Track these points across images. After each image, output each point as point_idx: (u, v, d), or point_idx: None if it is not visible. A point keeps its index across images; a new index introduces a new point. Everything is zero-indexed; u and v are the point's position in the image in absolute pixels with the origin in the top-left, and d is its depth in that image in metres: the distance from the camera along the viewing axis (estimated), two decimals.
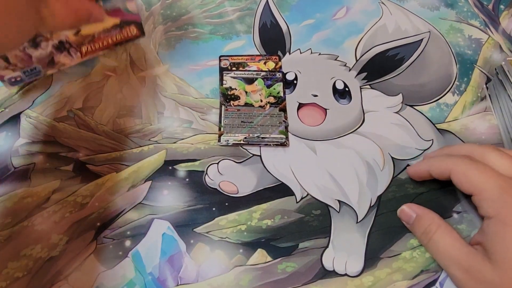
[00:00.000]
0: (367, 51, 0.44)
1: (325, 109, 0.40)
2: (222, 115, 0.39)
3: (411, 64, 0.43)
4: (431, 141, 0.39)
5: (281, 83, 0.41)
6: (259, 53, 0.44)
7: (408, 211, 0.33)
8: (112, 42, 0.39)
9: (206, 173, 0.37)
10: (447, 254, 0.30)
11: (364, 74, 0.42)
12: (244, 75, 0.42)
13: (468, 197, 0.35)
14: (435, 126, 0.40)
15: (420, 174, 0.35)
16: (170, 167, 0.37)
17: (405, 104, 0.41)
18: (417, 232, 0.33)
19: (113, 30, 0.37)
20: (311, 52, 0.44)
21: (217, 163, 0.37)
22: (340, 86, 0.41)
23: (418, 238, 0.33)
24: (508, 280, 0.26)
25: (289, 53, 0.44)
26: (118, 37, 0.39)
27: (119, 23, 0.37)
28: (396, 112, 0.40)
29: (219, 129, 0.39)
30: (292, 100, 0.41)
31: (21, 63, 0.34)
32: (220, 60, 0.43)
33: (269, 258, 0.33)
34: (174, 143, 0.38)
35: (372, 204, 0.35)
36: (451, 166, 0.31)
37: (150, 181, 0.36)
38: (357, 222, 0.34)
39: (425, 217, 0.32)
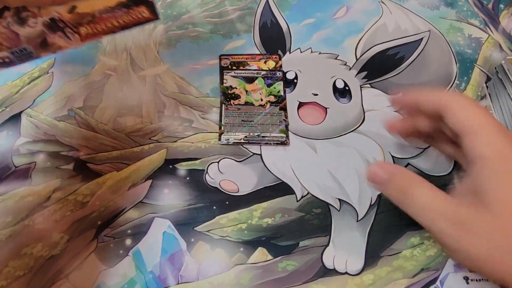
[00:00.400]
0: (367, 50, 0.44)
1: (326, 108, 0.40)
2: (223, 114, 0.39)
3: (411, 63, 0.43)
4: None
5: (282, 82, 0.41)
6: (259, 52, 0.44)
7: (380, 172, 0.28)
8: (118, 25, 0.32)
9: (207, 172, 0.37)
10: (431, 208, 0.25)
11: (364, 73, 0.42)
12: (244, 74, 0.42)
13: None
14: None
15: (404, 103, 0.32)
16: (170, 166, 0.37)
17: None
18: (392, 192, 0.28)
19: (118, 9, 0.30)
20: (311, 51, 0.44)
21: (218, 162, 0.37)
22: (340, 85, 0.41)
23: (393, 198, 0.28)
24: (510, 226, 0.23)
25: (289, 52, 0.44)
26: (126, 19, 0.32)
27: (125, 1, 0.30)
28: (396, 111, 0.40)
29: (220, 128, 0.39)
30: (292, 99, 0.41)
31: (7, 42, 0.29)
32: (220, 59, 0.43)
33: (269, 257, 0.33)
34: (175, 142, 0.38)
35: (372, 203, 0.35)
36: (447, 100, 0.28)
37: (151, 180, 0.36)
38: (357, 221, 0.34)
39: (400, 175, 0.28)
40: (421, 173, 0.37)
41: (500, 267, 0.23)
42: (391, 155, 0.38)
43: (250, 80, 0.41)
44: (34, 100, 0.40)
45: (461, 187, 0.27)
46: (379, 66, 0.43)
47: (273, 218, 0.34)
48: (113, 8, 0.30)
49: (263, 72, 0.42)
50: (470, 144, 0.26)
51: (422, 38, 0.45)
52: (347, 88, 0.41)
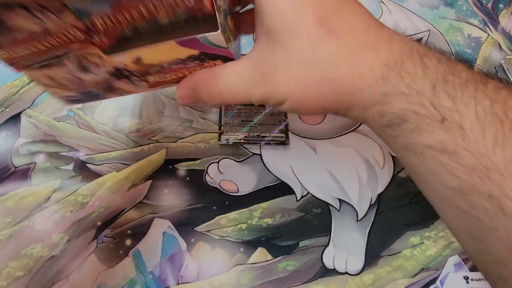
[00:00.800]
0: None
1: None
2: (222, 114, 0.39)
3: None
4: None
5: None
6: None
7: (185, 91, 0.26)
8: None
9: (207, 172, 0.37)
10: (238, 87, 0.24)
11: None
12: None
13: None
14: None
15: None
16: (170, 166, 0.37)
17: None
18: (208, 99, 0.25)
19: (190, 62, 0.26)
20: None
21: (218, 162, 0.37)
22: None
23: (213, 103, 0.27)
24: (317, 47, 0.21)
25: None
26: None
27: (197, 54, 0.26)
28: None
29: (219, 128, 0.39)
30: None
31: (72, 85, 0.28)
32: None
33: (269, 257, 0.33)
34: (175, 142, 0.38)
35: (372, 203, 0.35)
36: None
37: (151, 180, 0.36)
38: (357, 221, 0.34)
39: (200, 78, 0.25)
40: None
41: (321, 98, 0.22)
42: (391, 155, 0.38)
43: None
44: (33, 101, 0.40)
45: (259, 32, 0.24)
46: None
47: (273, 218, 0.35)
48: (184, 60, 0.26)
49: None
50: None
51: (421, 38, 0.45)
52: None
